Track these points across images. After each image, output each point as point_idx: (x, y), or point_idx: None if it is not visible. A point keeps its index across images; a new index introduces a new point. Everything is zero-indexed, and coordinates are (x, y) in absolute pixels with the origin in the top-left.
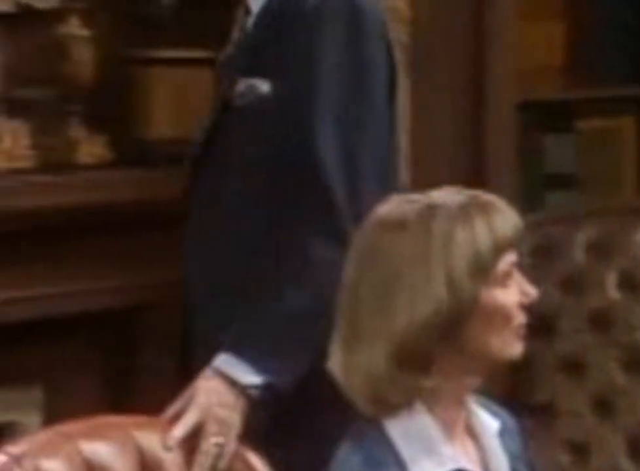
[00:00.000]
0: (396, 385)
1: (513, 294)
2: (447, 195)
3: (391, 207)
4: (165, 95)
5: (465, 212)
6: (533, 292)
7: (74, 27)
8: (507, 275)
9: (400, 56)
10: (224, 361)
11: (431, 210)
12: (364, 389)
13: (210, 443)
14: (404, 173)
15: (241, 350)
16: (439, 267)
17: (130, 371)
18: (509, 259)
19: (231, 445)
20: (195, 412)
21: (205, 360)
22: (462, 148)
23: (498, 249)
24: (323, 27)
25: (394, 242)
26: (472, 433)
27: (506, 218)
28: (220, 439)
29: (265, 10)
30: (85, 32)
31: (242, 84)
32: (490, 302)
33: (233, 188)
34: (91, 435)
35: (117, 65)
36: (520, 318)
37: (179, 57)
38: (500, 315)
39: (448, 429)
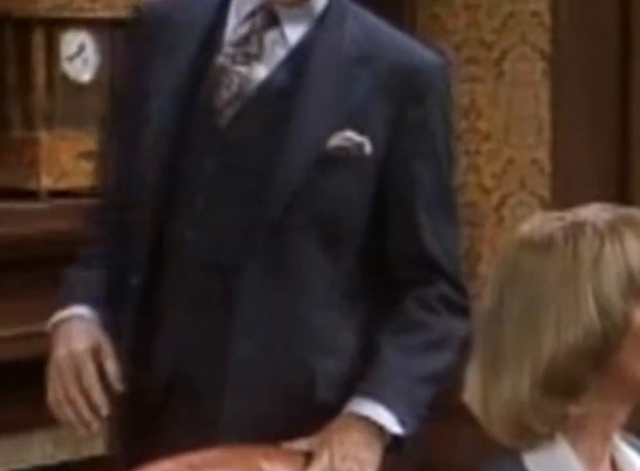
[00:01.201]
0: (542, 414)
1: None
2: (593, 212)
3: (535, 226)
4: None
5: (614, 228)
6: None
7: None
8: None
9: (540, 64)
10: (370, 408)
11: (577, 228)
12: (506, 419)
13: None
14: (544, 189)
15: (389, 402)
16: (588, 287)
17: None
18: None
19: None
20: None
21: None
22: (606, 160)
23: None
24: (435, 100)
25: (539, 263)
26: (617, 470)
27: None
28: None
29: (329, 51)
30: None
31: (341, 138)
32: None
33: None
34: (218, 465)
35: None
36: None
37: None
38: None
39: (592, 464)
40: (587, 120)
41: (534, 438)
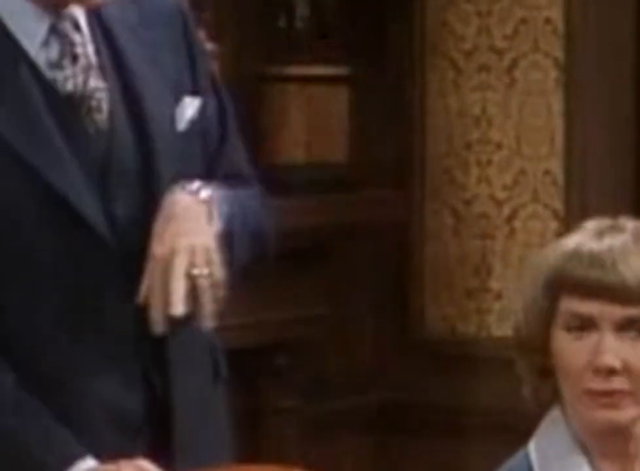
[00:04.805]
0: (539, 389)
1: (580, 349)
2: (600, 221)
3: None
4: (298, 115)
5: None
6: (605, 360)
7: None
8: (570, 322)
9: (553, 72)
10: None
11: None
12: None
13: None
14: (557, 201)
15: (221, 197)
16: (524, 286)
17: (256, 412)
18: (578, 305)
19: None
20: None
21: None
22: (622, 172)
23: (552, 287)
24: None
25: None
26: None
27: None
28: None
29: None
30: (211, 46)
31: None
32: (553, 345)
33: None
34: None
35: (245, 82)
36: (588, 383)
37: (314, 74)
38: (560, 364)
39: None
40: (602, 130)
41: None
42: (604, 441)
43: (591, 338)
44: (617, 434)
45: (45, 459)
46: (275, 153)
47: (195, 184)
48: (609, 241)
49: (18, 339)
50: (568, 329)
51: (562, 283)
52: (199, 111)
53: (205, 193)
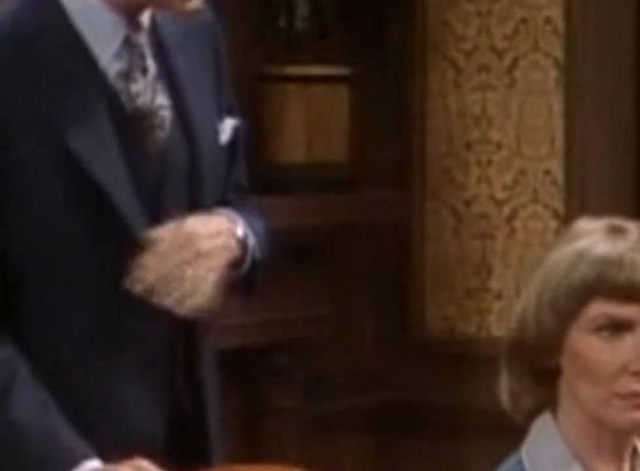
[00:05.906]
0: (530, 393)
1: (613, 351)
2: (592, 221)
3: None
4: (298, 115)
5: (571, 236)
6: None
7: None
8: (601, 325)
9: (553, 72)
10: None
11: (566, 232)
12: (507, 400)
13: None
14: (557, 201)
15: (245, 218)
16: (534, 291)
17: (256, 412)
18: (615, 308)
19: None
20: None
21: None
22: (622, 173)
23: (586, 290)
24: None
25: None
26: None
27: (620, 261)
28: None
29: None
30: None
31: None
32: (572, 347)
33: None
34: None
35: (245, 82)
36: (624, 384)
37: (314, 74)
38: (584, 366)
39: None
40: (602, 130)
41: (528, 414)
42: (605, 443)
43: (625, 341)
44: (631, 435)
45: (49, 456)
46: (275, 153)
47: (233, 216)
48: (633, 243)
49: (48, 347)
50: (598, 331)
51: (598, 288)
52: (234, 131)
53: (240, 230)
